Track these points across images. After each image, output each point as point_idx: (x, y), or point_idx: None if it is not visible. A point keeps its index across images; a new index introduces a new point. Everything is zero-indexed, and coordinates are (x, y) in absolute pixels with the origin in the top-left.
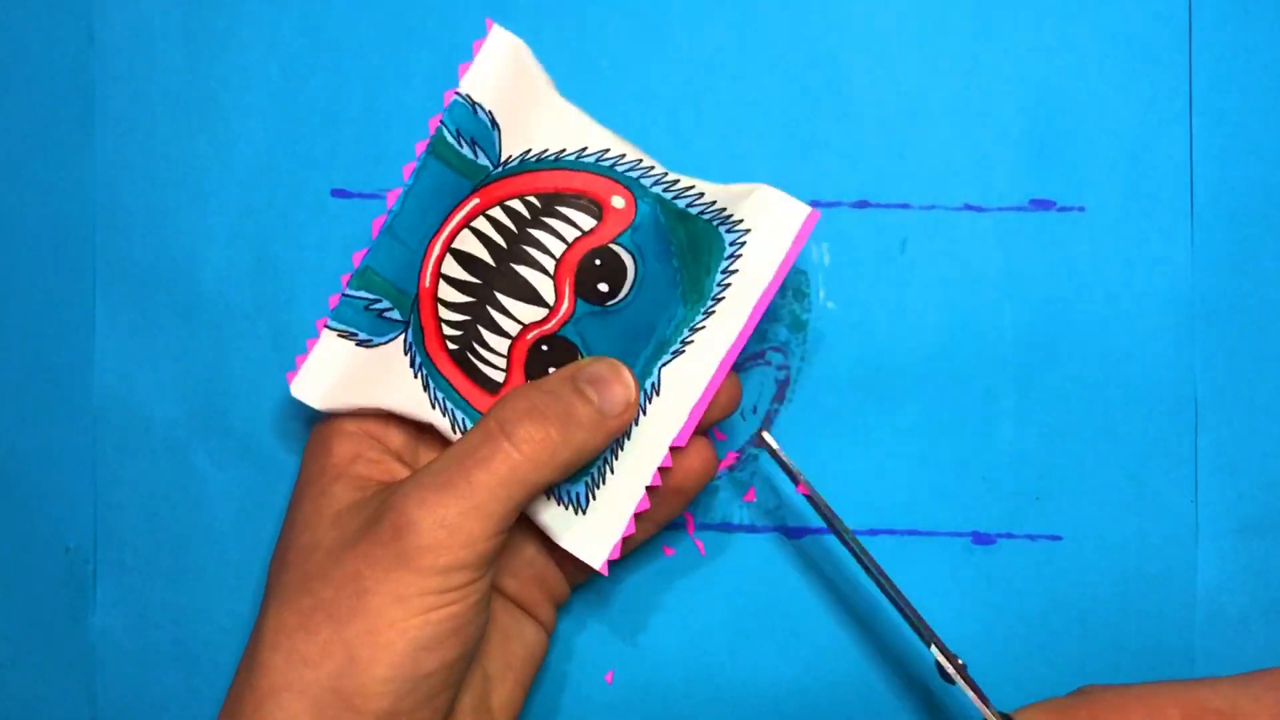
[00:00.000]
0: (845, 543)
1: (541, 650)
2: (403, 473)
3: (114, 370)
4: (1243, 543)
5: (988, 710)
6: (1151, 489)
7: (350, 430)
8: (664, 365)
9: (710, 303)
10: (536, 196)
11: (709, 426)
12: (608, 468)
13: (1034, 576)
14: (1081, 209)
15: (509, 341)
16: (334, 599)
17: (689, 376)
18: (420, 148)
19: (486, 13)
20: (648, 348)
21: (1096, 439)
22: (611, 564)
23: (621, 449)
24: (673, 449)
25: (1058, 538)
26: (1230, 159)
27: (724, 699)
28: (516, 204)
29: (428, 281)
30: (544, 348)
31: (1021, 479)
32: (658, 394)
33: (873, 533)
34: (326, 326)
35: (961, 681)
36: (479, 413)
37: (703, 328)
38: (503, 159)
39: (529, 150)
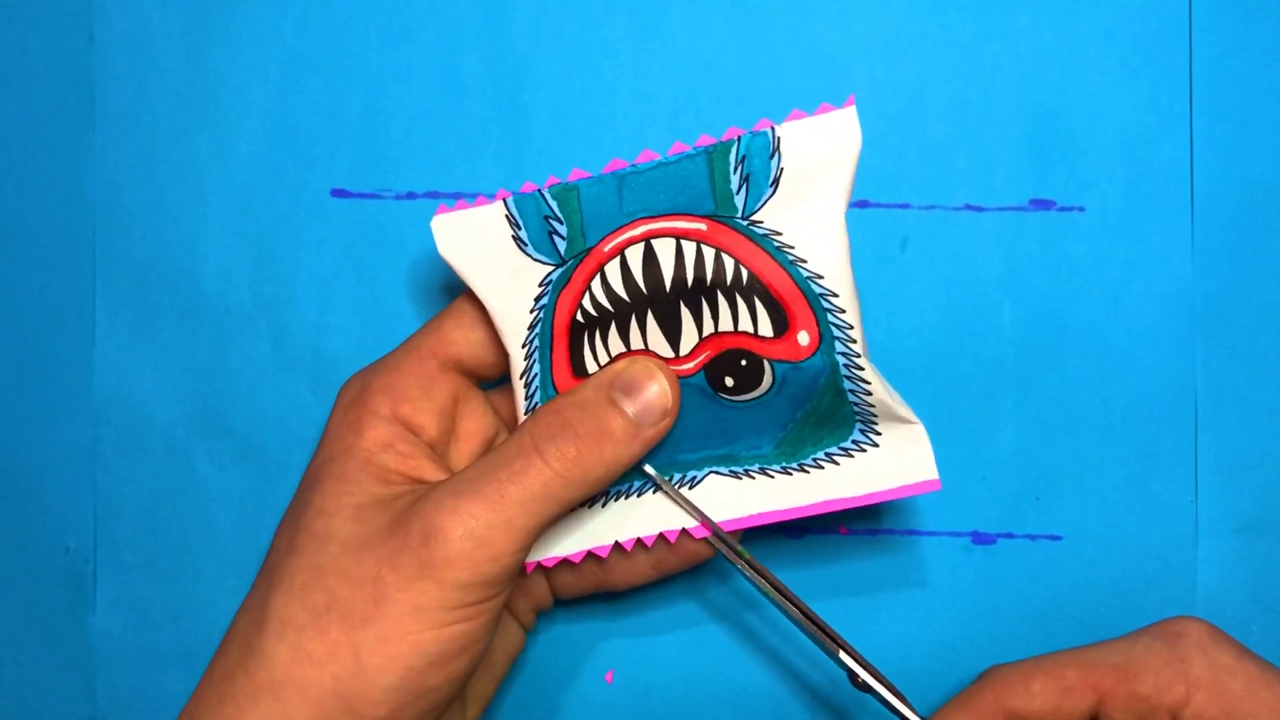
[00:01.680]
0: (737, 565)
1: (518, 648)
2: (431, 472)
3: (114, 370)
4: (1243, 543)
5: (911, 713)
6: (1151, 489)
7: (385, 414)
8: (717, 473)
9: (795, 467)
10: (749, 272)
11: None
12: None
13: (1034, 576)
14: (1081, 209)
15: (623, 351)
16: (349, 599)
17: (722, 502)
18: (704, 140)
19: (486, 13)
20: (717, 450)
21: (1096, 439)
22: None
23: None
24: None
25: (1058, 538)
26: (1230, 159)
27: (724, 699)
28: (729, 261)
29: (608, 247)
30: None
31: (1021, 479)
32: (690, 486)
33: (873, 533)
34: (504, 200)
35: (879, 686)
36: (553, 385)
37: (770, 478)
38: (754, 217)
39: (780, 233)
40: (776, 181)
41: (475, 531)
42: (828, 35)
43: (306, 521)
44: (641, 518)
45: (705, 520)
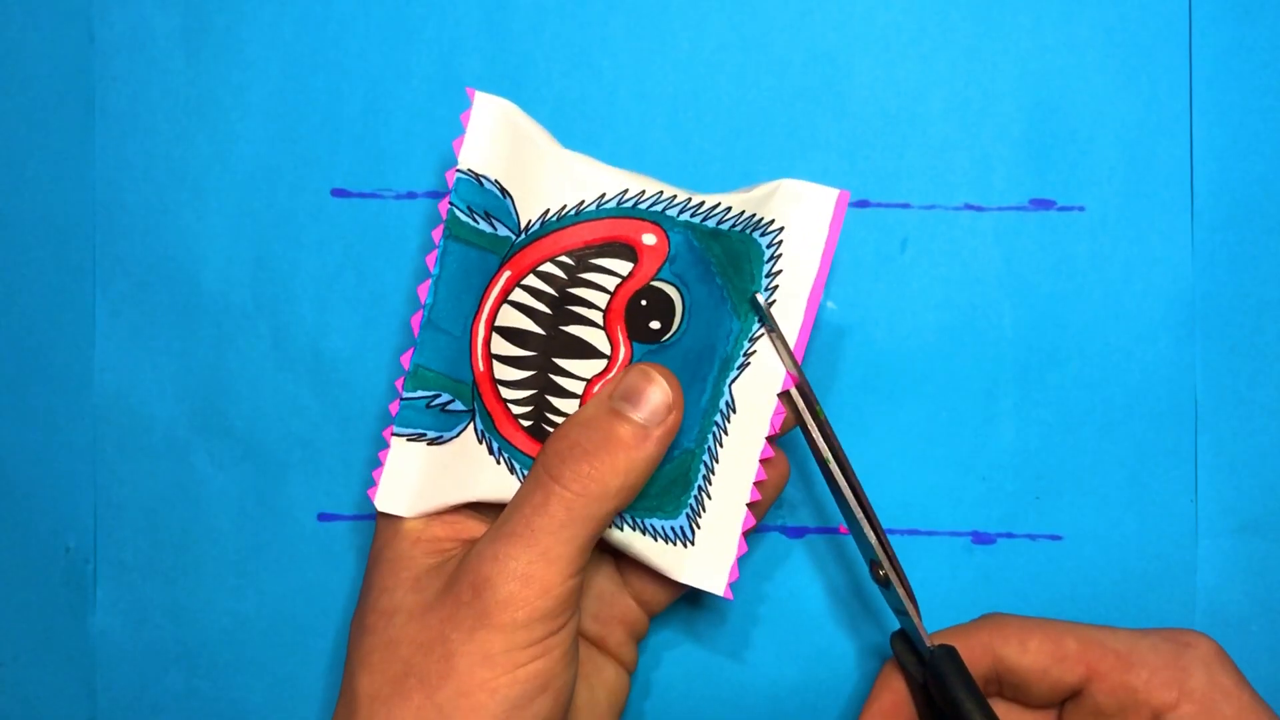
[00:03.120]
0: (809, 431)
1: (624, 692)
2: (480, 529)
3: (114, 370)
4: (1243, 543)
5: (918, 619)
6: (1151, 489)
7: None
8: (733, 382)
9: (764, 298)
10: (568, 255)
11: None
12: (704, 495)
13: (1034, 576)
14: (1081, 209)
15: (578, 400)
16: (423, 663)
17: (760, 387)
18: (437, 234)
19: (486, 13)
20: (713, 370)
21: (1096, 439)
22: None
23: (714, 473)
24: (762, 461)
25: (1058, 538)
26: (1230, 159)
27: (724, 699)
28: (550, 267)
29: (481, 365)
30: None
31: (1021, 479)
32: (735, 411)
33: None
34: (394, 434)
35: (898, 584)
36: (522, 452)
37: (761, 334)
38: (523, 225)
39: (547, 210)
40: (502, 190)
41: (518, 572)
42: (828, 35)
43: (373, 602)
44: (739, 468)
45: (793, 370)
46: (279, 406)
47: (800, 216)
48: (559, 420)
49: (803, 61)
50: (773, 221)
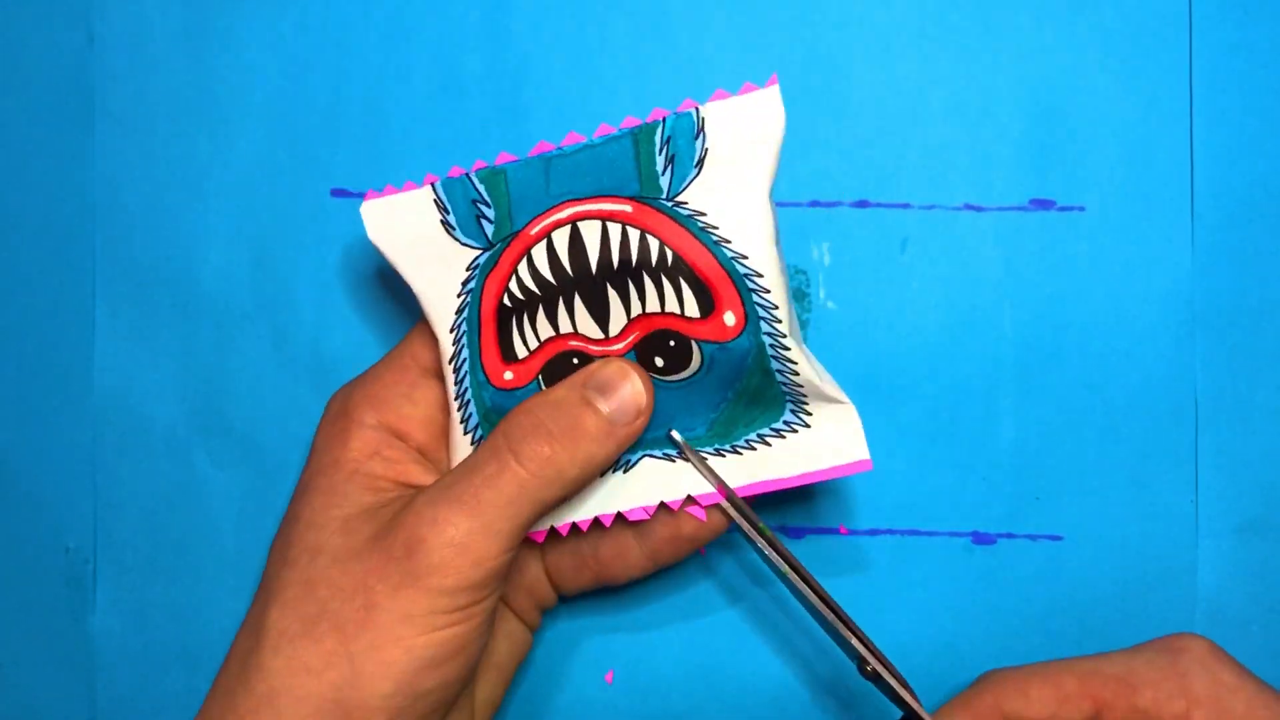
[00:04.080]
0: (757, 546)
1: (526, 648)
2: (421, 476)
3: (114, 370)
4: (1243, 543)
5: (917, 706)
6: (1151, 489)
7: (370, 423)
8: (650, 456)
9: (727, 449)
10: (674, 254)
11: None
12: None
13: (1034, 576)
14: (1081, 209)
15: (552, 334)
16: (340, 609)
17: (656, 485)
18: (629, 123)
19: (486, 13)
20: (651, 433)
21: (1096, 439)
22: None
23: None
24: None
25: (1058, 538)
26: (1230, 159)
27: (724, 699)
28: (654, 243)
29: (535, 230)
30: (574, 360)
31: (1021, 479)
32: (625, 470)
33: (873, 533)
34: (434, 184)
35: (888, 676)
36: (482, 369)
37: (703, 459)
38: (679, 198)
39: (705, 214)
40: (701, 162)
41: (455, 539)
42: (828, 35)
43: (297, 535)
44: (642, 489)
45: (724, 490)
46: (279, 406)
47: (825, 436)
48: (525, 328)
49: (803, 61)
50: (809, 414)
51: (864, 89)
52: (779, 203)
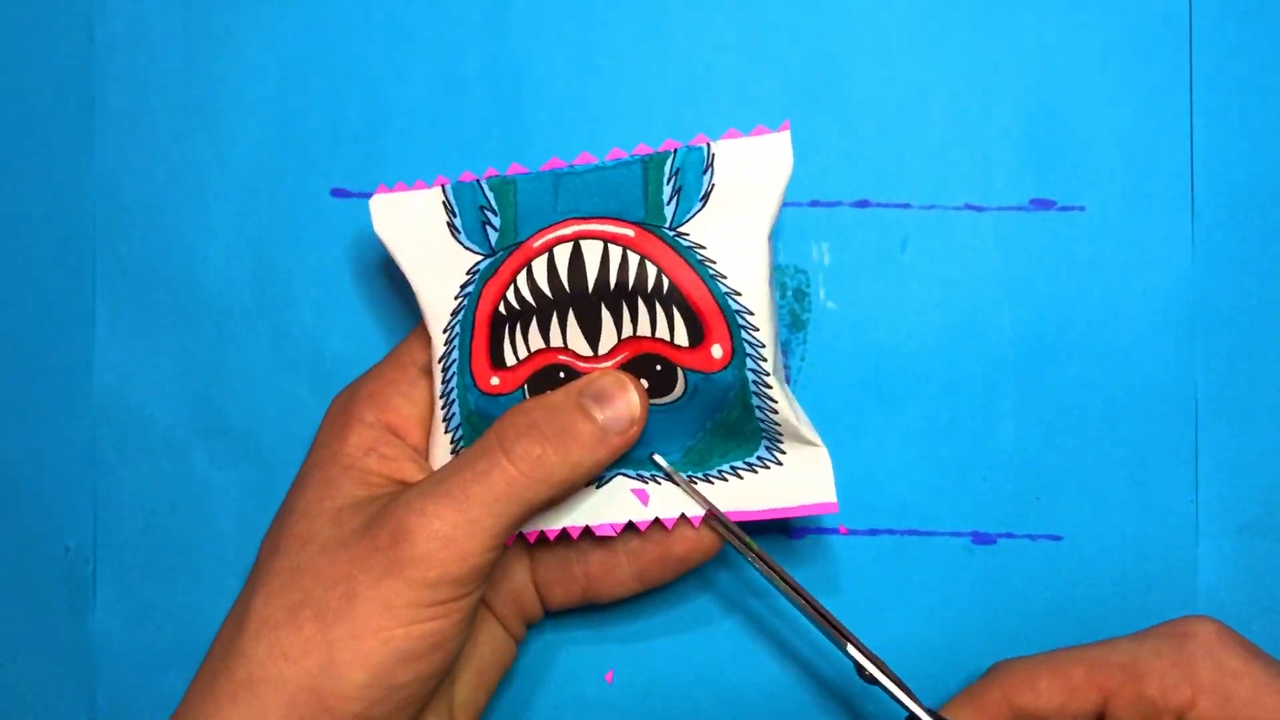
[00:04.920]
0: (746, 556)
1: (510, 658)
2: (414, 473)
3: (114, 370)
4: (1243, 543)
5: (917, 707)
6: (1151, 489)
7: (369, 420)
8: (624, 475)
9: (700, 477)
10: (670, 282)
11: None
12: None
13: (1034, 576)
14: (1081, 209)
15: (542, 346)
16: (323, 597)
17: (625, 504)
18: (641, 150)
19: (486, 13)
20: (629, 451)
21: (1096, 439)
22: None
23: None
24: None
25: (1058, 538)
26: (1230, 159)
27: (724, 699)
28: (652, 269)
29: (538, 243)
30: (560, 374)
31: (1021, 479)
32: (599, 486)
33: (873, 533)
34: (445, 185)
35: (885, 680)
36: (470, 372)
37: (671, 485)
38: (681, 229)
39: (705, 246)
40: (707, 196)
41: (441, 532)
42: (828, 35)
43: (289, 525)
44: (615, 507)
45: (713, 510)
46: (279, 406)
47: (797, 476)
48: (517, 337)
49: (803, 61)
50: (783, 454)
51: (864, 89)
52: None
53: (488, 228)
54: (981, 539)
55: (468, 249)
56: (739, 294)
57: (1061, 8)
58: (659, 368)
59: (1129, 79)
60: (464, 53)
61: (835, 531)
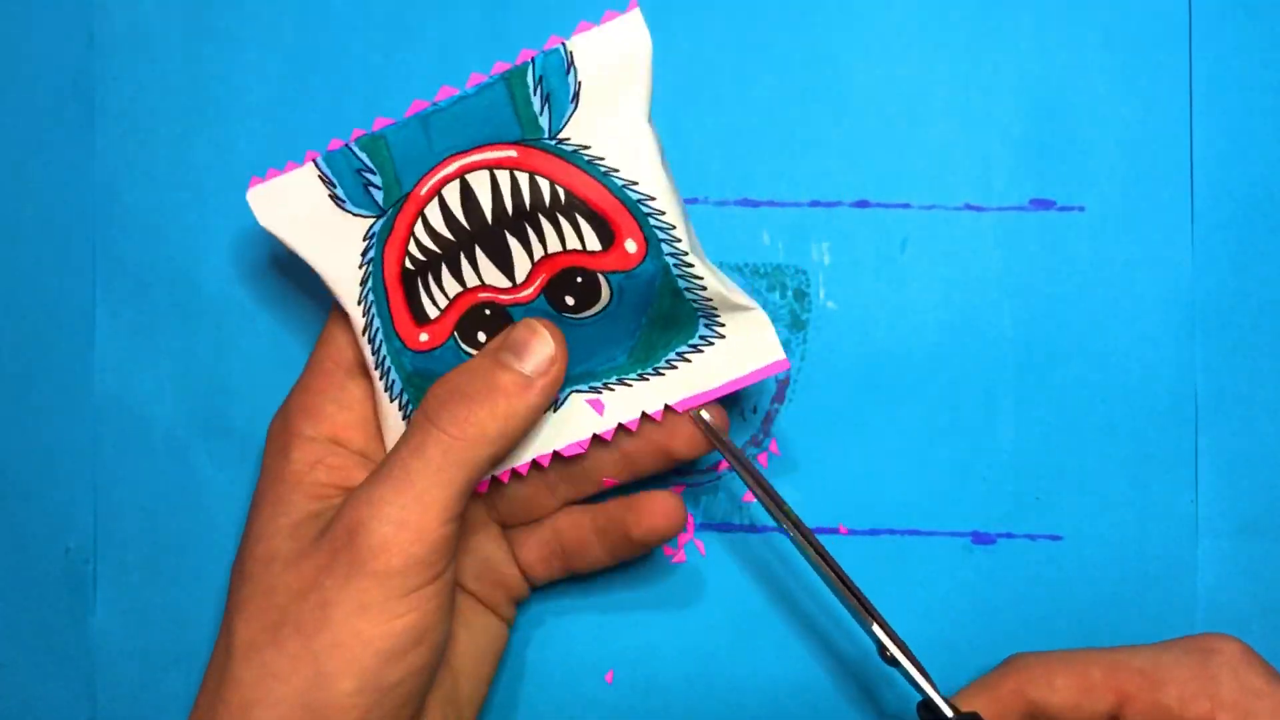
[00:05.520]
0: (781, 523)
1: (503, 643)
2: (362, 477)
3: (114, 370)
4: (1243, 543)
5: (933, 692)
6: (1151, 489)
7: (309, 435)
8: (578, 392)
9: (650, 371)
10: (566, 191)
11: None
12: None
13: (1034, 576)
14: (1081, 209)
15: (460, 290)
16: (298, 611)
17: (589, 417)
18: (499, 68)
19: (485, 13)
20: (575, 369)
21: (1096, 439)
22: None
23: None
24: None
25: (1058, 538)
26: (1230, 159)
27: (724, 699)
28: (545, 184)
29: (424, 190)
30: (486, 312)
31: (1021, 479)
32: (555, 409)
33: (873, 533)
34: (314, 161)
35: (906, 662)
36: (397, 335)
37: (628, 385)
38: (561, 135)
39: (589, 146)
40: (576, 96)
41: (392, 516)
42: (828, 35)
43: (250, 549)
44: (573, 426)
45: (754, 476)
46: (279, 406)
47: (741, 345)
48: (432, 287)
49: (803, 61)
50: (722, 325)
51: (864, 89)
52: (779, 202)
53: (370, 189)
54: (981, 539)
55: (357, 215)
56: (635, 183)
57: (1061, 8)
58: (580, 279)
59: (1129, 79)
60: (464, 53)
61: (835, 531)
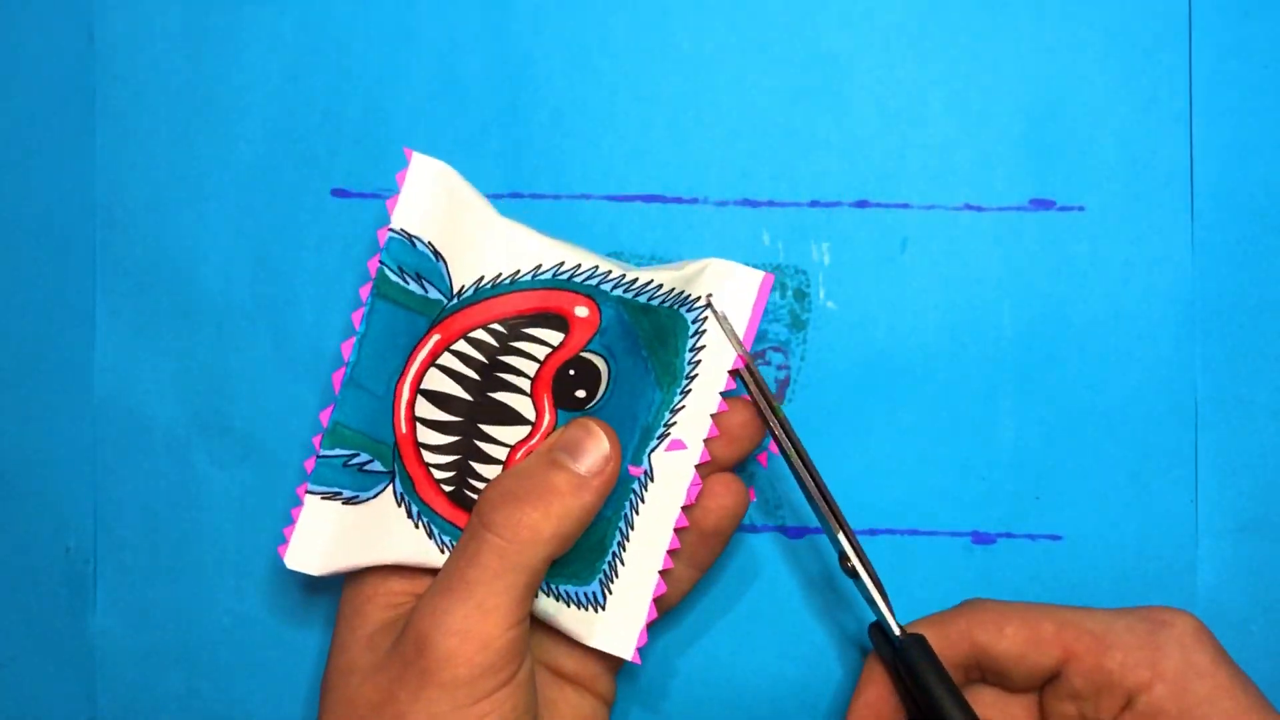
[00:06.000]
0: (767, 419)
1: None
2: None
3: (114, 370)
4: (1243, 543)
5: (885, 607)
6: (1151, 489)
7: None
8: (652, 451)
9: (685, 382)
10: (500, 323)
11: (734, 465)
12: (618, 561)
13: (1034, 576)
14: (1081, 209)
15: (501, 466)
16: None
17: (678, 459)
18: (365, 292)
19: (486, 13)
20: (634, 438)
21: (1096, 439)
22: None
23: (629, 540)
24: (685, 508)
25: (1058, 538)
26: (1230, 159)
27: (724, 699)
28: (481, 334)
29: (404, 427)
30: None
31: (1021, 479)
32: (653, 480)
33: (873, 533)
34: (308, 491)
35: (864, 574)
36: (445, 520)
37: (683, 407)
38: (456, 289)
39: (482, 277)
40: (436, 253)
41: (454, 627)
42: (828, 35)
43: (332, 659)
44: (653, 536)
45: (744, 355)
46: (279, 406)
47: (726, 292)
48: (480, 486)
49: (803, 61)
50: (699, 299)
51: (864, 89)
52: (779, 202)
53: (366, 468)
54: (981, 539)
55: (377, 495)
56: (537, 267)
57: (1061, 8)
58: (572, 371)
59: (1129, 79)
60: (464, 53)
61: None
